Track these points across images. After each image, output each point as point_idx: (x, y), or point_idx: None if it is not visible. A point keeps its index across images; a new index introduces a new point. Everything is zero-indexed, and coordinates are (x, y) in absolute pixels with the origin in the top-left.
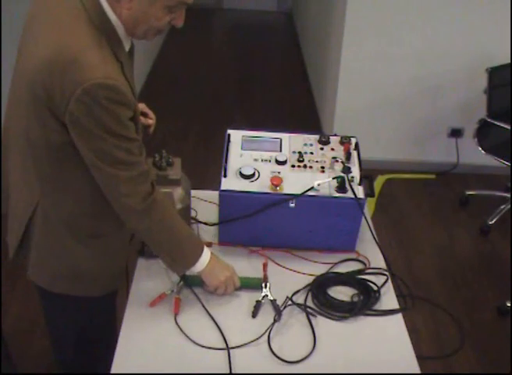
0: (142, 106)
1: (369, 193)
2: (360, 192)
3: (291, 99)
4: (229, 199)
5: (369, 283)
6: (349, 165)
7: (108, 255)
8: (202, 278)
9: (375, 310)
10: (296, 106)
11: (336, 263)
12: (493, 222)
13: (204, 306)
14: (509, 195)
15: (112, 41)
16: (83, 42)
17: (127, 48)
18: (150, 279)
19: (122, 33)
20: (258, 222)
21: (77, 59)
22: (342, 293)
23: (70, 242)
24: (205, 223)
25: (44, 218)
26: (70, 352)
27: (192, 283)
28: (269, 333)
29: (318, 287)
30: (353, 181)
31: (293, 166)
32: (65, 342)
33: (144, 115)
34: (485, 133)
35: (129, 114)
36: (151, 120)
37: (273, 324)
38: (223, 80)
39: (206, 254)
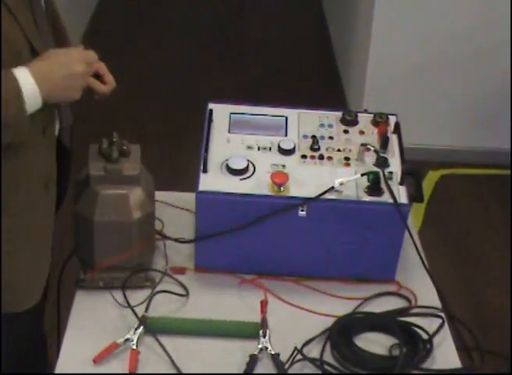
0: (99, 67)
1: (416, 196)
2: (402, 195)
3: (303, 60)
4: (210, 205)
5: (416, 329)
6: (386, 155)
7: None
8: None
9: (426, 369)
10: (310, 70)
11: (366, 299)
12: None
13: (173, 363)
14: None
15: None
16: None
17: None
18: (93, 322)
19: None
20: (253, 238)
21: None
22: (375, 343)
23: None
24: (176, 240)
25: None
26: None
27: (157, 327)
28: None
29: (341, 334)
30: (391, 179)
31: (303, 157)
32: None
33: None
34: None
35: None
36: (104, 87)
37: None
38: (203, 29)
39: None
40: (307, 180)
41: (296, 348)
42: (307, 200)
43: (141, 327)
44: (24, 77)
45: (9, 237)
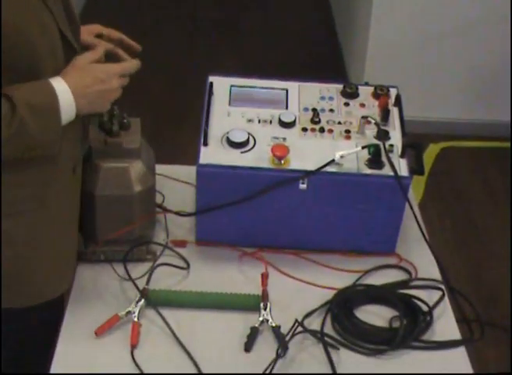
0: (98, 28)
1: (416, 169)
2: (402, 168)
3: (302, 30)
4: (210, 178)
5: (416, 301)
6: (386, 128)
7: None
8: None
9: (426, 341)
10: (309, 41)
11: (366, 271)
12: None
13: (175, 335)
14: None
15: None
16: None
17: None
18: (95, 295)
19: None
20: (254, 211)
21: None
22: (376, 315)
23: None
24: (177, 213)
25: None
26: None
27: (158, 300)
28: (270, 374)
29: (342, 307)
30: (392, 152)
31: (304, 130)
32: None
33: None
34: None
35: None
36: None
37: (276, 361)
38: (205, 7)
39: (58, 85)
40: (308, 153)
41: (296, 320)
42: (307, 173)
43: (142, 300)
44: (62, 91)
45: (41, 227)
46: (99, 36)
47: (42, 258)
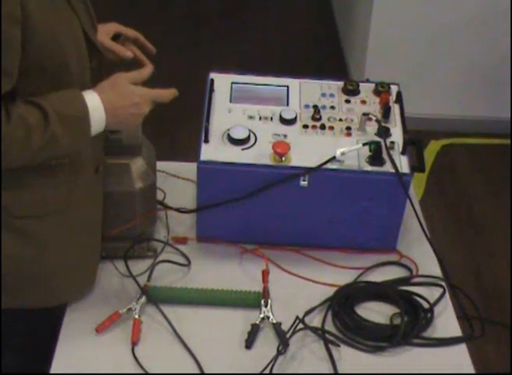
0: (135, 35)
1: (417, 166)
2: (403, 165)
3: (303, 27)
4: (211, 174)
5: (417, 298)
6: (387, 125)
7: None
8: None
9: (427, 338)
10: (310, 38)
11: (367, 268)
12: None
13: (175, 332)
14: None
15: None
16: None
17: None
18: (95, 292)
19: None
20: (254, 208)
21: None
22: (377, 312)
23: None
24: (178, 210)
25: None
26: None
27: (159, 297)
28: (271, 371)
29: (343, 304)
30: (393, 149)
31: (305, 127)
32: None
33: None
34: None
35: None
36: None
37: (277, 358)
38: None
39: (91, 100)
40: (309, 150)
41: (297, 317)
42: (308, 170)
43: (143, 297)
44: (95, 106)
45: (66, 228)
46: (116, 36)
47: (67, 259)
